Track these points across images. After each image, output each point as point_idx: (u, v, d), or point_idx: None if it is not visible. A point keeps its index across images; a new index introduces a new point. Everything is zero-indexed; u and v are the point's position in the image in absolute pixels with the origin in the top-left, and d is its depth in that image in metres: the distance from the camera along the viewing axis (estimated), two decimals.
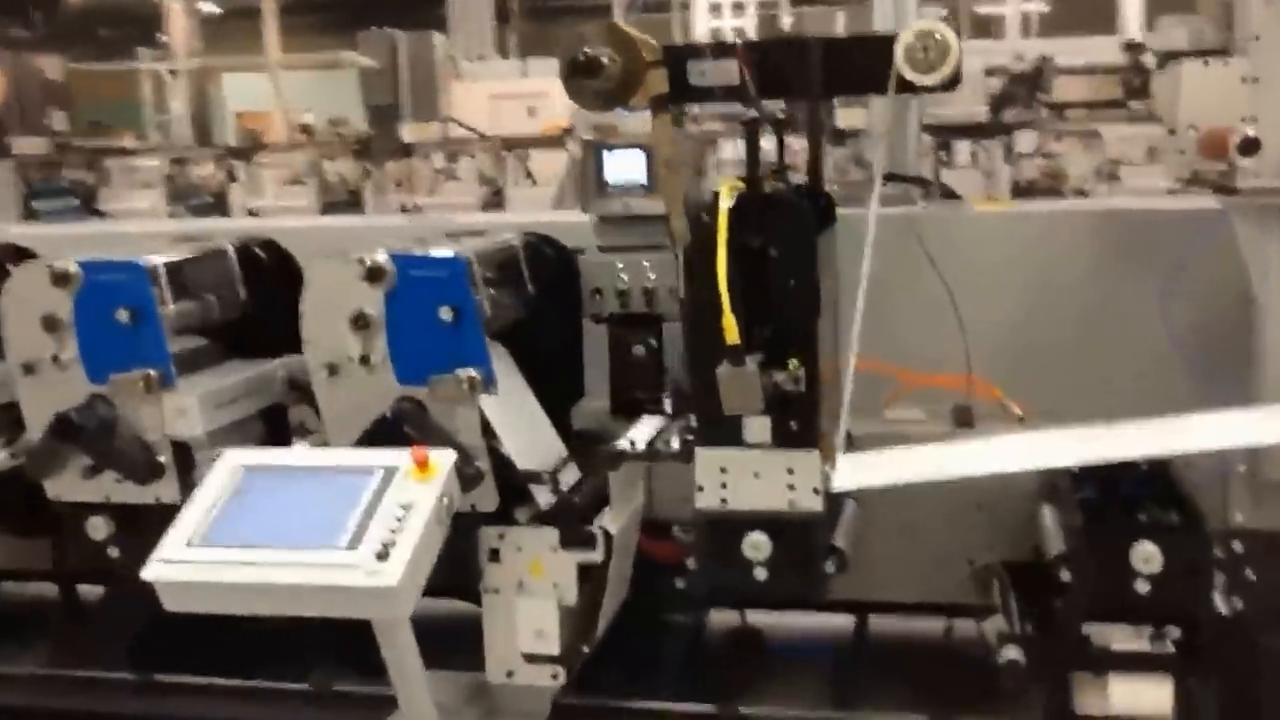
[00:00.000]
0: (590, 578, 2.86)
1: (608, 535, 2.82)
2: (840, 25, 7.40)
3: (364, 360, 2.75)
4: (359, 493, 2.41)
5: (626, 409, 3.59)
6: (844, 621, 3.84)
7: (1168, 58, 3.12)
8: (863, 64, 2.91)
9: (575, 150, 8.05)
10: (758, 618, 3.87)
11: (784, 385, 2.52)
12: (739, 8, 9.45)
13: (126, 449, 2.89)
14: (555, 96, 9.07)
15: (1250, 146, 2.47)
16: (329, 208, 8.98)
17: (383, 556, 2.26)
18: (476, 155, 8.33)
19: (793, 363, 2.51)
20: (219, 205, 9.47)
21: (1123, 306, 3.54)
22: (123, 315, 2.84)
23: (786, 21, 9.03)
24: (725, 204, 2.49)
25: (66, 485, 2.98)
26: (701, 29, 8.61)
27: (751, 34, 9.10)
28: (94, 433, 2.86)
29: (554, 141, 8.22)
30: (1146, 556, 2.48)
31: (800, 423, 2.56)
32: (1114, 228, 3.59)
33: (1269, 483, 3.00)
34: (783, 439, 2.59)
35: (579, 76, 2.67)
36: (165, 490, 2.93)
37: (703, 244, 2.53)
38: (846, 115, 7.19)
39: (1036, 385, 3.45)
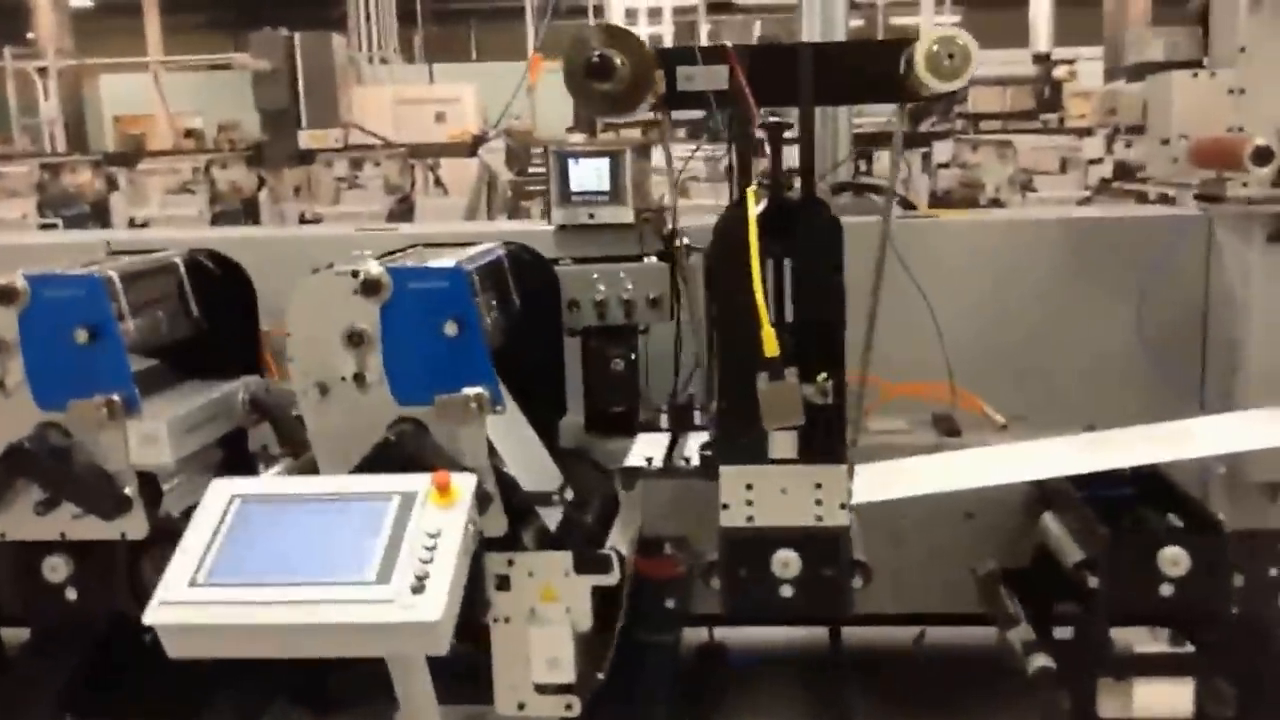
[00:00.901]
0: (603, 601, 2.73)
1: (621, 557, 2.70)
2: (757, 33, 7.42)
3: (358, 379, 2.56)
4: (378, 521, 2.24)
5: (603, 424, 3.48)
6: (807, 634, 3.82)
7: (1143, 69, 3.17)
8: (867, 70, 2.88)
9: (488, 158, 7.88)
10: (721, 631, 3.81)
11: (813, 398, 2.45)
12: (655, 15, 9.40)
13: (89, 481, 2.63)
14: (465, 102, 8.93)
15: (1264, 156, 2.51)
16: (219, 217, 8.56)
17: (418, 589, 2.09)
18: (382, 163, 8.04)
19: (821, 375, 2.44)
20: (98, 215, 8.93)
21: (1088, 311, 3.60)
22: (80, 335, 2.58)
23: (704, 30, 9.03)
24: (754, 211, 2.41)
25: (14, 523, 2.70)
26: None
27: (669, 41, 9.07)
28: (51, 463, 2.59)
29: (465, 149, 8.00)
30: (1174, 559, 2.49)
31: (828, 437, 2.50)
32: (1079, 235, 3.66)
33: (1249, 484, 3.09)
34: (810, 454, 2.52)
35: (591, 79, 2.54)
36: (131, 525, 2.68)
37: (730, 253, 2.44)
38: None
39: (1002, 391, 3.48)
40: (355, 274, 2.54)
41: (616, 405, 3.54)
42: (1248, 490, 3.09)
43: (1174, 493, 2.91)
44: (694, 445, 2.82)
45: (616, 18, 8.43)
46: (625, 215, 3.72)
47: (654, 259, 3.56)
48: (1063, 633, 2.75)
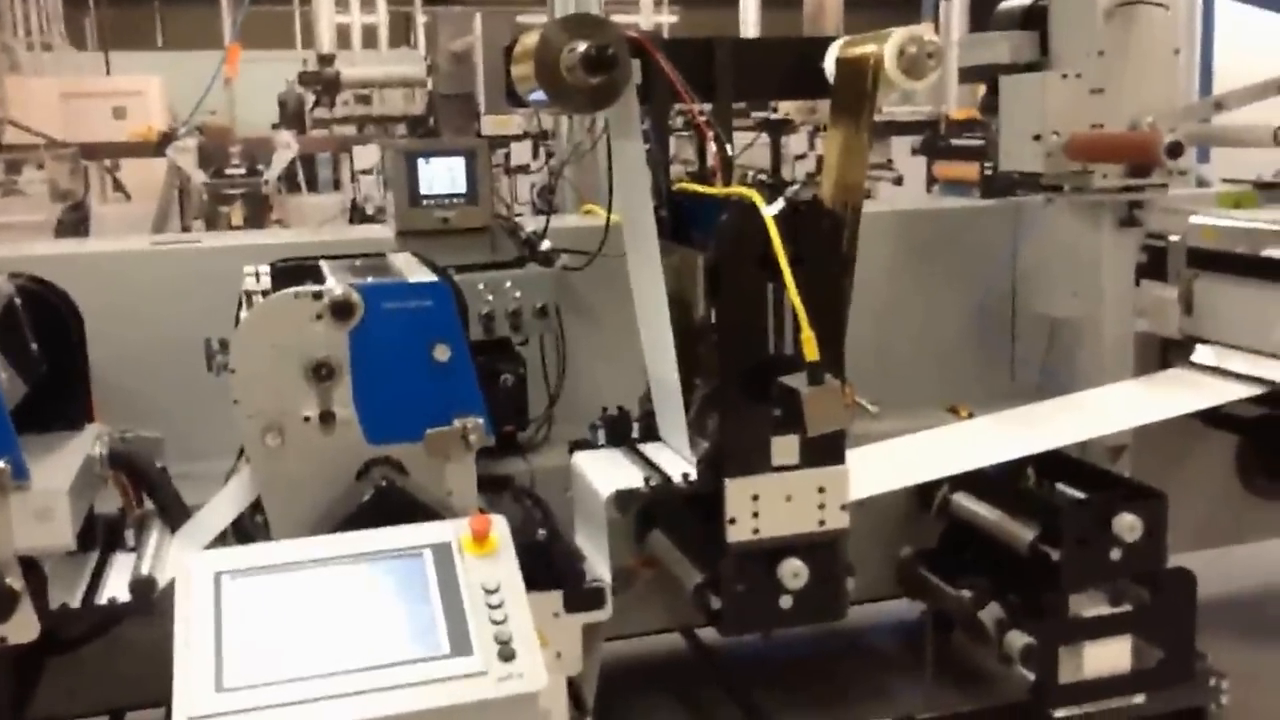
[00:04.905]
0: (588, 639, 2.53)
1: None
2: (478, 27, 7.21)
3: (325, 418, 2.19)
4: (418, 582, 1.92)
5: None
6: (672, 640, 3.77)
7: (995, 70, 3.40)
8: (787, 66, 2.88)
9: (177, 159, 7.08)
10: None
11: None
12: (369, 4, 8.79)
13: None
14: (150, 95, 7.92)
15: (1176, 150, 2.77)
16: None
17: (507, 656, 1.82)
18: (46, 164, 6.95)
19: (828, 375, 2.39)
20: None
21: (916, 296, 3.82)
22: None
23: (421, 20, 8.56)
24: (769, 211, 2.31)
25: None
26: (326, 25, 7.90)
27: (384, 31, 8.54)
28: None
29: (150, 148, 7.10)
30: (1131, 526, 2.69)
31: (831, 439, 2.45)
32: (904, 225, 3.87)
33: (1100, 449, 3.40)
34: (811, 457, 2.46)
35: (592, 72, 2.31)
36: (17, 628, 2.12)
37: (741, 254, 2.33)
38: (497, 122, 7.04)
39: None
40: (319, 295, 2.16)
41: (506, 424, 3.31)
42: (1095, 453, 3.39)
43: (1069, 459, 3.15)
44: (669, 460, 2.66)
45: (326, 8, 7.84)
46: (482, 218, 3.50)
47: (537, 266, 3.37)
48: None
